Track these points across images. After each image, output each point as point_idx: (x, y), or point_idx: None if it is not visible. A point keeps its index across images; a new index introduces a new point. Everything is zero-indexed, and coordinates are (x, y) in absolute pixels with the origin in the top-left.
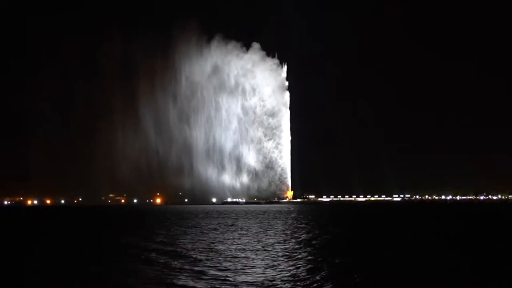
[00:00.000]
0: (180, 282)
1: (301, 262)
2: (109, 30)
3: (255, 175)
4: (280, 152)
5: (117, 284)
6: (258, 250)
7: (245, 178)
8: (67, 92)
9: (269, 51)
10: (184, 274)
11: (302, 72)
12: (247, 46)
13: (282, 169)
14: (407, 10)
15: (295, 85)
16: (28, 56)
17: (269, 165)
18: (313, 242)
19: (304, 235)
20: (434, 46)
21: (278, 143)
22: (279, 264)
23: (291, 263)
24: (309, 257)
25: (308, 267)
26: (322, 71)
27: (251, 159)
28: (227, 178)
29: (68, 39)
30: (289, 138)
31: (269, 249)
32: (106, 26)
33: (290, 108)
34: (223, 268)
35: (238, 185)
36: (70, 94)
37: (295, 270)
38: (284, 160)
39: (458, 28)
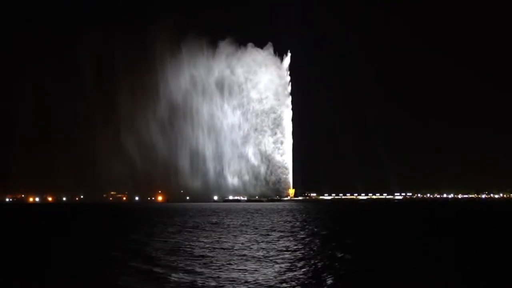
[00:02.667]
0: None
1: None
2: (89, 35)
3: (240, 175)
4: (281, 149)
5: None
6: None
7: (245, 177)
8: (64, 93)
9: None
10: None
11: (304, 71)
12: (215, 43)
13: (268, 167)
14: (409, 11)
15: (296, 85)
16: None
17: (255, 165)
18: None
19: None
20: (436, 47)
21: (275, 141)
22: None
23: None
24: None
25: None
26: (323, 70)
27: (233, 160)
28: (229, 177)
29: (50, 44)
30: (291, 136)
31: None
32: (85, 31)
33: (292, 106)
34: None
35: (239, 183)
36: (65, 95)
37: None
38: (285, 158)
39: (461, 30)
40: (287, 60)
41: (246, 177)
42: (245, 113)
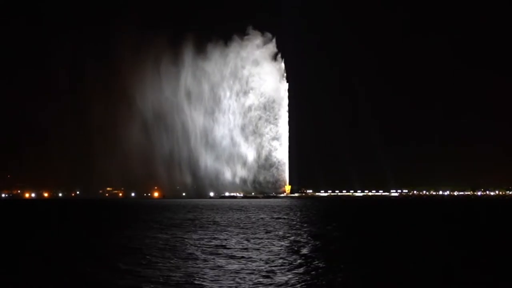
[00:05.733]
0: None
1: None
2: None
3: (217, 174)
4: (279, 146)
5: None
6: None
7: (242, 173)
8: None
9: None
10: None
11: (300, 67)
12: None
13: (246, 166)
14: (406, 4)
15: (292, 79)
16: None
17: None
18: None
19: None
20: (433, 39)
21: (273, 138)
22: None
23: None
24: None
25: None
26: (319, 66)
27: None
28: (225, 173)
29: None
30: (287, 132)
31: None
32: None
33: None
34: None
35: (236, 180)
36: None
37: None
38: (282, 154)
39: (459, 21)
40: (264, 38)
41: (237, 175)
42: (216, 114)
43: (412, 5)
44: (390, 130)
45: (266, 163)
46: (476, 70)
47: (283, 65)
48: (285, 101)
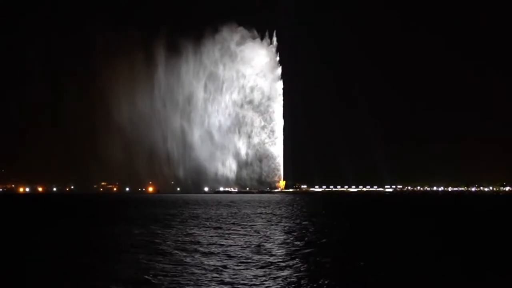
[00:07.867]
0: None
1: None
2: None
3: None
4: (273, 141)
5: None
6: None
7: (224, 170)
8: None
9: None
10: None
11: (296, 63)
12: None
13: (227, 163)
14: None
15: (287, 74)
16: None
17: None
18: None
19: None
20: (429, 35)
21: (271, 132)
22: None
23: None
24: None
25: None
26: (316, 63)
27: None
28: (220, 168)
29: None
30: (282, 128)
31: None
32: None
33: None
34: None
35: (231, 175)
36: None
37: None
38: (276, 149)
39: (459, 22)
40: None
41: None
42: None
43: (412, 5)
44: (386, 126)
45: (247, 159)
46: (476, 70)
47: (269, 45)
48: (281, 96)
